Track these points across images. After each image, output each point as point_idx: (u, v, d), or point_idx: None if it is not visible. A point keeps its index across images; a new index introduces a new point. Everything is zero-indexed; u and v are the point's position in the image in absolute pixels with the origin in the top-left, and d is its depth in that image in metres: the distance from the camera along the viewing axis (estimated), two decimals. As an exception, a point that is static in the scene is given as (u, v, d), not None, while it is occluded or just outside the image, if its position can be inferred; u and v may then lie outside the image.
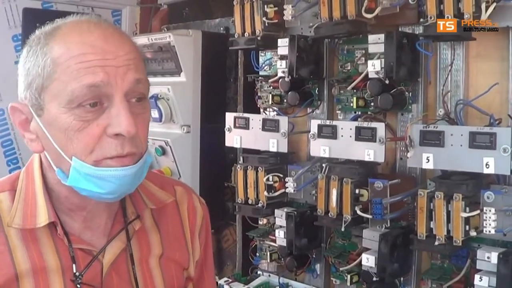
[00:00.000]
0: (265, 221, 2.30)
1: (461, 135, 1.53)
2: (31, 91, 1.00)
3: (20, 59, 1.04)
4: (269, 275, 2.30)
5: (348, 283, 1.94)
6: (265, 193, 2.03)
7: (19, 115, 1.04)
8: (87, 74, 0.95)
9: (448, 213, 1.55)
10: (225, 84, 2.66)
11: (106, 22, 1.06)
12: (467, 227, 1.54)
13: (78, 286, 1.04)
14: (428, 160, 1.59)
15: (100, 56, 0.96)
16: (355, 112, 1.96)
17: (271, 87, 2.21)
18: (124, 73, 0.98)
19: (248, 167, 2.07)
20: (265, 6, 2.05)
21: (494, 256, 1.52)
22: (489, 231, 1.51)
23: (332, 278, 2.08)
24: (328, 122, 1.84)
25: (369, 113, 1.92)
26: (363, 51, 1.93)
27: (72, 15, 1.05)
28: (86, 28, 1.00)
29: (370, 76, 1.75)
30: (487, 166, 1.49)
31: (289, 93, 2.03)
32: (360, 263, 1.81)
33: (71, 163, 0.99)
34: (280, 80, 2.03)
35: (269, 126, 2.02)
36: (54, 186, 1.07)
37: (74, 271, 1.04)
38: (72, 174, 1.00)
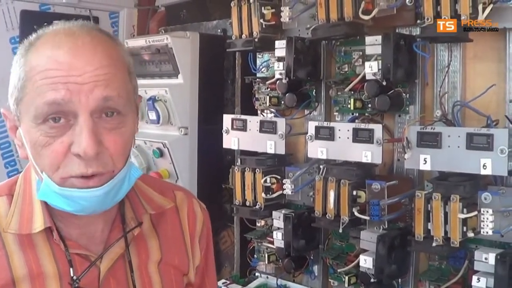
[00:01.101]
0: (263, 222, 2.30)
1: (459, 136, 1.53)
2: (11, 101, 1.00)
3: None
4: (267, 277, 2.30)
5: (346, 285, 1.94)
6: (263, 194, 2.03)
7: (9, 121, 1.05)
8: (49, 90, 0.93)
9: (446, 214, 1.55)
10: (222, 86, 2.66)
11: (88, 29, 1.01)
12: (465, 228, 1.54)
13: None
14: (426, 161, 1.59)
15: (64, 73, 0.93)
16: (352, 114, 1.97)
17: (269, 89, 2.21)
18: (89, 90, 0.94)
19: (246, 169, 2.07)
20: (263, 8, 2.06)
21: (491, 257, 1.52)
22: (487, 232, 1.51)
23: (330, 280, 2.08)
24: (325, 124, 1.84)
25: (366, 114, 1.92)
26: (360, 53, 1.93)
27: (60, 21, 1.03)
28: (57, 40, 0.97)
29: (367, 77, 1.75)
30: (485, 167, 1.49)
31: (287, 94, 2.03)
32: (358, 265, 1.81)
33: (43, 178, 0.99)
34: (278, 81, 2.03)
35: (267, 127, 2.02)
36: None
37: (72, 275, 1.04)
38: (43, 189, 0.99)
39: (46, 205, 1.05)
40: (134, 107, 1.07)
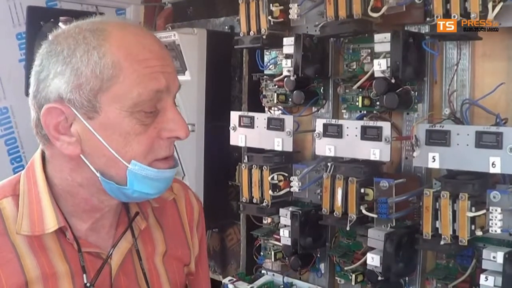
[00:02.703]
0: (269, 220, 2.30)
1: (467, 134, 1.53)
2: (82, 93, 0.95)
3: (56, 58, 0.97)
4: (273, 274, 2.30)
5: (353, 283, 1.94)
6: (270, 192, 2.03)
7: (57, 117, 0.98)
8: (152, 79, 0.97)
9: (454, 212, 1.54)
10: (229, 83, 2.66)
11: None
12: (473, 227, 1.54)
13: None
14: (434, 159, 1.59)
15: (160, 62, 0.99)
16: (360, 111, 1.96)
17: (276, 86, 2.21)
18: (175, 78, 1.03)
19: (253, 166, 2.07)
20: (271, 4, 2.04)
21: (499, 256, 1.52)
22: (495, 231, 1.50)
23: (336, 278, 2.08)
24: (333, 121, 1.83)
25: (374, 112, 1.91)
26: (369, 50, 1.92)
27: (96, 15, 1.05)
28: (137, 31, 1.02)
29: (375, 75, 1.75)
30: (493, 165, 1.48)
31: (294, 92, 2.03)
32: (365, 263, 1.81)
33: (129, 166, 0.99)
34: (285, 79, 2.03)
35: (274, 125, 2.02)
36: (70, 188, 1.04)
37: (85, 281, 1.04)
38: (130, 177, 1.00)
39: (56, 203, 1.04)
40: None
